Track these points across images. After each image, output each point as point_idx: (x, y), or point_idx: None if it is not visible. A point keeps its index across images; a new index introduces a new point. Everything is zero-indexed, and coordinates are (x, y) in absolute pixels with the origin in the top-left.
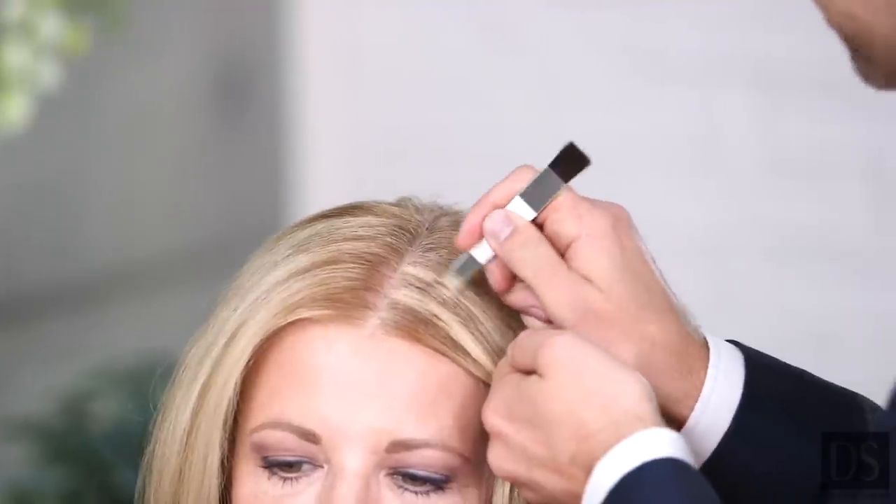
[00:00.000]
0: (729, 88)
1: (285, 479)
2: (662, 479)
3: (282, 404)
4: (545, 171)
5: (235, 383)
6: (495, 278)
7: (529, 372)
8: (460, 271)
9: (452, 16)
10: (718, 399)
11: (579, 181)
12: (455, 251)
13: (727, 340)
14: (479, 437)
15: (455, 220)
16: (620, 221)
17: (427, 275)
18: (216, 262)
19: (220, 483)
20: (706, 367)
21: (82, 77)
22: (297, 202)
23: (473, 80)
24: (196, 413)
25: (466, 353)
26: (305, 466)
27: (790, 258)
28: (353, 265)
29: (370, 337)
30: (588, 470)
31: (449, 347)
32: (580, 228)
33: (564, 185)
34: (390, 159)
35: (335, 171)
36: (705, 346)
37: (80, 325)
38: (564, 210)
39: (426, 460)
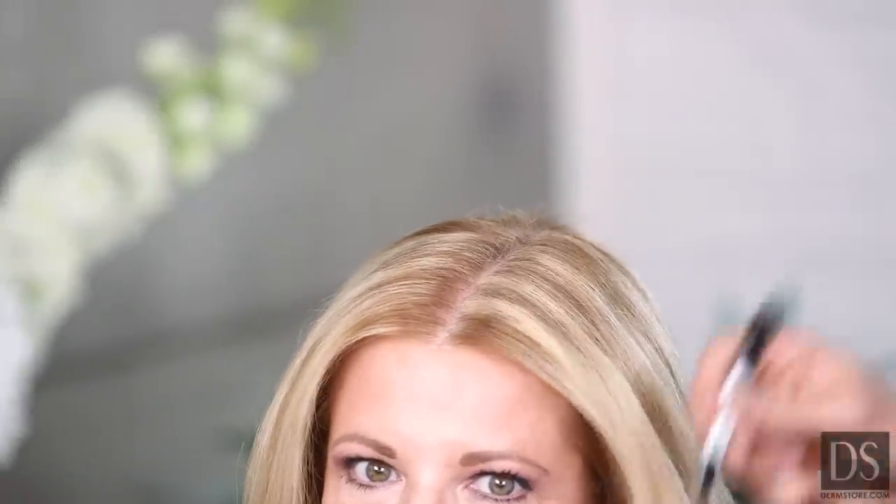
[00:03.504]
0: None
1: (362, 485)
2: None
3: (359, 418)
4: (751, 325)
5: (310, 401)
6: (736, 455)
7: None
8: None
9: (718, 32)
10: None
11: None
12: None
13: None
14: (560, 449)
15: (551, 235)
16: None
17: (502, 280)
18: None
19: (311, 501)
20: None
21: (331, 90)
22: (564, 217)
23: (737, 98)
24: (275, 434)
25: (536, 344)
26: (392, 475)
27: None
28: (422, 281)
29: (438, 350)
30: None
31: (517, 344)
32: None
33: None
34: (654, 175)
35: (601, 186)
36: None
37: None
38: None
39: (503, 471)
